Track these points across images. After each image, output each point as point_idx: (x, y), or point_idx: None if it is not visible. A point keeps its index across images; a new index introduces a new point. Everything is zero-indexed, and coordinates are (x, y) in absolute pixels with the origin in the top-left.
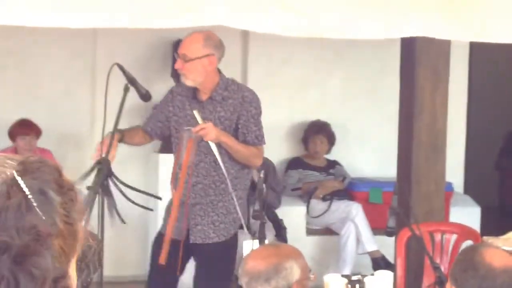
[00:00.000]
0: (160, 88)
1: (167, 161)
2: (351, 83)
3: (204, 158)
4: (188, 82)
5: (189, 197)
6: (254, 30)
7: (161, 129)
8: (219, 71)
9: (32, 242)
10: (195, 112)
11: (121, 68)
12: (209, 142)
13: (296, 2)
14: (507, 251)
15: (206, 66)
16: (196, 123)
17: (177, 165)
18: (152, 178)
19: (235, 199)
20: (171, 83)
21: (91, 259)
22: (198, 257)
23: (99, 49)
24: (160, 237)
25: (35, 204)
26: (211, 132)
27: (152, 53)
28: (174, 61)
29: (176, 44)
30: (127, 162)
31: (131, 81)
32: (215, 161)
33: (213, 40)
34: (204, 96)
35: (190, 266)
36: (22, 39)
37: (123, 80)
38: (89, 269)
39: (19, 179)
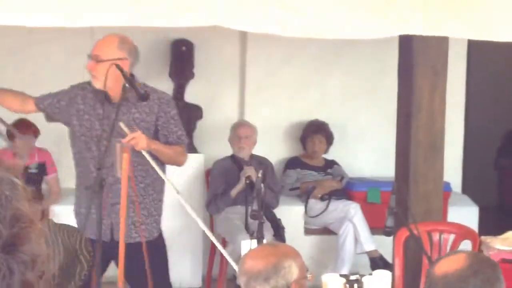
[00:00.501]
0: (158, 87)
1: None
2: (350, 83)
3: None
4: (98, 84)
5: (109, 197)
6: (253, 31)
7: (55, 114)
8: (132, 75)
9: (19, 231)
10: (121, 124)
11: (119, 68)
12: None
13: (295, 1)
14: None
15: (113, 70)
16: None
17: (110, 174)
18: None
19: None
20: (169, 82)
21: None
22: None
23: None
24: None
25: (10, 193)
26: (141, 141)
27: (150, 52)
28: (172, 60)
29: (175, 43)
30: None
31: (129, 81)
32: (134, 162)
33: (128, 45)
34: (115, 99)
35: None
36: (20, 38)
37: (121, 80)
38: (82, 264)
39: None
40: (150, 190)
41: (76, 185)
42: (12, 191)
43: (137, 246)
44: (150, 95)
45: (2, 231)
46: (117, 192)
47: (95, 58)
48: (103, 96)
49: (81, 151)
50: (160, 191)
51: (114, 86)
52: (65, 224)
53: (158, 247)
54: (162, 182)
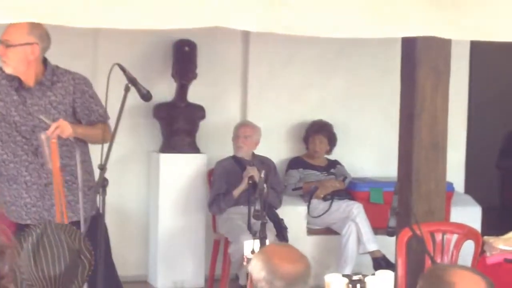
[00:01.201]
0: (160, 88)
1: (167, 160)
2: (353, 83)
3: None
4: (8, 69)
5: (41, 178)
6: (255, 30)
7: None
8: (44, 59)
9: None
10: (42, 117)
11: (122, 68)
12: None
13: (296, 0)
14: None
15: (28, 54)
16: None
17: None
18: (153, 178)
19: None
20: (171, 82)
21: (81, 251)
22: None
23: (99, 50)
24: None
25: None
26: (66, 128)
27: (152, 53)
28: (175, 60)
29: (178, 43)
30: (127, 162)
31: (132, 81)
32: (63, 143)
33: (39, 30)
34: (29, 83)
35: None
36: None
37: (123, 80)
38: (83, 264)
39: None
40: (79, 171)
41: None
42: None
43: (76, 225)
44: (152, 96)
45: None
46: (48, 172)
47: (4, 43)
48: (17, 82)
49: (4, 138)
50: (89, 172)
51: (27, 71)
52: (63, 224)
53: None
54: (89, 163)
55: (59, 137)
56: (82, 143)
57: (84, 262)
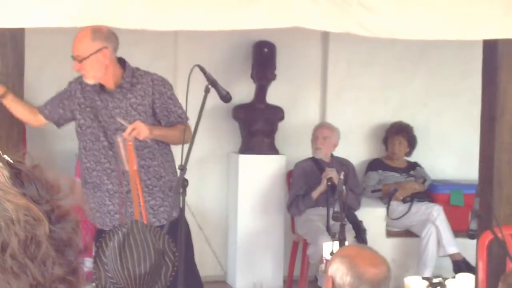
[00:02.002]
0: (240, 89)
1: (247, 161)
2: (433, 84)
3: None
4: (90, 80)
5: (122, 185)
6: (333, 31)
7: (60, 116)
8: (122, 60)
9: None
10: (120, 119)
11: (202, 69)
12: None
13: (375, 2)
14: None
15: (102, 60)
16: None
17: (118, 168)
18: (232, 179)
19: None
20: (251, 84)
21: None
22: None
23: (180, 51)
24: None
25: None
26: (143, 130)
27: (232, 54)
28: (254, 61)
29: (257, 45)
30: (207, 163)
31: (212, 82)
32: (137, 147)
33: (102, 33)
34: (110, 87)
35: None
36: None
37: (203, 82)
38: (167, 265)
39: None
40: (162, 172)
41: (81, 180)
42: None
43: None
44: (232, 97)
45: (50, 203)
46: (130, 179)
47: (77, 59)
48: (99, 87)
49: (89, 145)
50: (172, 172)
51: (106, 75)
52: (149, 224)
53: (178, 227)
54: (172, 163)
55: (139, 139)
56: (163, 144)
57: (167, 263)
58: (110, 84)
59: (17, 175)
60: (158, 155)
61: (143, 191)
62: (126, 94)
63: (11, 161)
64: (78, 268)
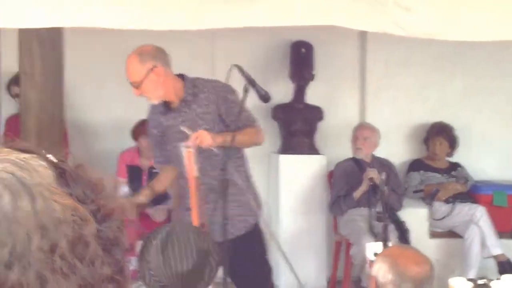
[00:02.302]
0: (278, 88)
1: (287, 161)
2: (472, 84)
3: (205, 160)
4: (154, 100)
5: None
6: (370, 30)
7: (168, 154)
8: (180, 75)
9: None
10: (183, 128)
11: (240, 69)
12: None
13: (411, 2)
14: None
15: (156, 79)
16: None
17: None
18: (273, 179)
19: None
20: (289, 83)
21: (210, 253)
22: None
23: (218, 51)
24: None
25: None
26: (206, 138)
27: (270, 54)
28: (292, 61)
29: (295, 45)
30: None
31: (250, 82)
32: (216, 155)
33: (148, 53)
34: (176, 102)
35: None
36: (144, 40)
37: (242, 81)
38: (211, 265)
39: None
40: (236, 181)
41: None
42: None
43: (236, 241)
44: (270, 97)
45: (95, 202)
46: (213, 190)
47: (134, 85)
48: (162, 107)
49: (174, 162)
50: (246, 179)
51: (166, 91)
52: (192, 225)
53: (257, 235)
54: (246, 170)
55: (205, 149)
56: (234, 151)
57: (212, 263)
58: (174, 99)
59: (62, 175)
60: (232, 164)
61: (218, 202)
62: (191, 106)
63: (55, 161)
64: (124, 267)
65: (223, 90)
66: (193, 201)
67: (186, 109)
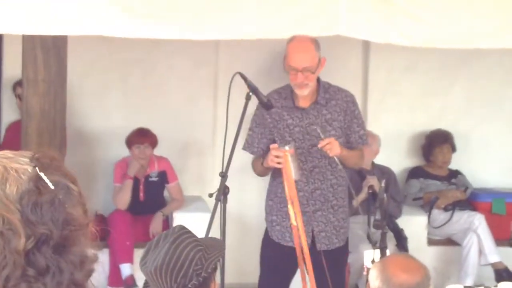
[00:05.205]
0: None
1: None
2: (474, 92)
3: (318, 163)
4: (306, 91)
5: (309, 204)
6: (375, 41)
7: (267, 145)
8: (317, 78)
9: (70, 233)
10: (317, 128)
11: (243, 76)
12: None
13: (417, 10)
14: None
15: (319, 70)
16: (297, 134)
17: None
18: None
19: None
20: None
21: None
22: (320, 263)
23: (221, 58)
24: (271, 242)
25: (63, 197)
26: (335, 147)
27: (273, 61)
28: None
29: None
30: (248, 170)
31: (253, 89)
32: (330, 163)
33: (318, 42)
34: (304, 103)
35: None
36: (147, 49)
37: (244, 89)
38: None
39: (42, 175)
40: (342, 194)
41: (267, 193)
42: (66, 196)
43: (336, 252)
44: (273, 104)
45: (54, 232)
46: (319, 199)
47: (309, 70)
48: (291, 102)
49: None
50: (345, 195)
51: (314, 87)
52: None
53: (346, 250)
54: (344, 187)
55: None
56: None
57: (202, 260)
58: (307, 97)
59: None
60: (340, 175)
61: (328, 211)
62: (321, 111)
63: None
64: None
65: (352, 101)
66: (297, 206)
67: (315, 112)
